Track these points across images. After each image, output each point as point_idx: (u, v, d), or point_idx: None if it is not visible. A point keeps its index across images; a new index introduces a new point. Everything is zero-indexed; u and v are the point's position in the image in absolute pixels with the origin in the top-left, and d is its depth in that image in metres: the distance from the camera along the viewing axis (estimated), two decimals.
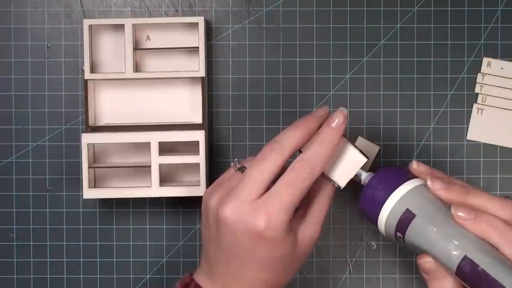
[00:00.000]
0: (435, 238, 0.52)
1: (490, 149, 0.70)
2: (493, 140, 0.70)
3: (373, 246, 0.70)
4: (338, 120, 0.55)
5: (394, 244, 0.70)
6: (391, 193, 0.54)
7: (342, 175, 0.56)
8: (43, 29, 0.71)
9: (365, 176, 0.57)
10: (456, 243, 0.51)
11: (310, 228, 0.56)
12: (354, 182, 0.57)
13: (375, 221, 0.55)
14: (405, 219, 0.53)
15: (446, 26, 0.70)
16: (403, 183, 0.54)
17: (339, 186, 0.56)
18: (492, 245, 0.51)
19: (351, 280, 0.71)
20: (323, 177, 0.56)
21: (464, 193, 0.53)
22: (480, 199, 0.53)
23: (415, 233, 0.53)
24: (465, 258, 0.50)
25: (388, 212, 0.54)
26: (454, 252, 0.50)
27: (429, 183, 0.54)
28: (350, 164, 0.56)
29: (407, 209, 0.53)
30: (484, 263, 0.49)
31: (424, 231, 0.52)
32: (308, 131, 0.55)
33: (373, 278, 0.71)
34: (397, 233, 0.54)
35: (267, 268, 0.55)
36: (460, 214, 0.52)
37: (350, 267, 0.71)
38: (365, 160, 0.56)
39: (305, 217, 0.57)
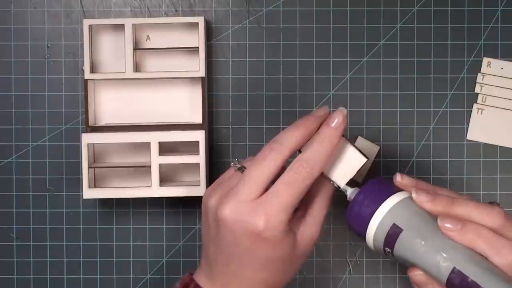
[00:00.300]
0: (423, 251, 0.51)
1: (490, 149, 0.70)
2: (493, 140, 0.70)
3: None
4: (337, 120, 0.55)
5: None
6: (377, 208, 0.53)
7: (341, 175, 0.56)
8: (43, 29, 0.71)
9: (350, 192, 0.56)
10: (444, 255, 0.50)
11: (310, 228, 0.56)
12: (354, 183, 0.57)
13: (363, 237, 0.55)
14: (393, 234, 0.53)
15: (446, 26, 0.70)
16: (388, 197, 0.53)
17: (338, 186, 0.56)
18: (481, 255, 0.50)
19: (351, 280, 0.71)
20: (323, 177, 0.56)
21: (449, 203, 0.53)
22: (466, 208, 0.52)
23: (403, 247, 0.52)
24: (454, 270, 0.50)
25: (375, 228, 0.53)
26: (443, 264, 0.50)
27: (414, 196, 0.53)
28: (350, 164, 0.56)
29: (394, 224, 0.52)
30: (473, 273, 0.49)
31: (412, 245, 0.52)
32: (308, 131, 0.55)
33: (373, 278, 0.71)
34: (386, 248, 0.53)
35: (266, 268, 0.55)
36: (447, 225, 0.51)
37: (350, 267, 0.71)
38: (365, 160, 0.56)
39: (305, 217, 0.57)
